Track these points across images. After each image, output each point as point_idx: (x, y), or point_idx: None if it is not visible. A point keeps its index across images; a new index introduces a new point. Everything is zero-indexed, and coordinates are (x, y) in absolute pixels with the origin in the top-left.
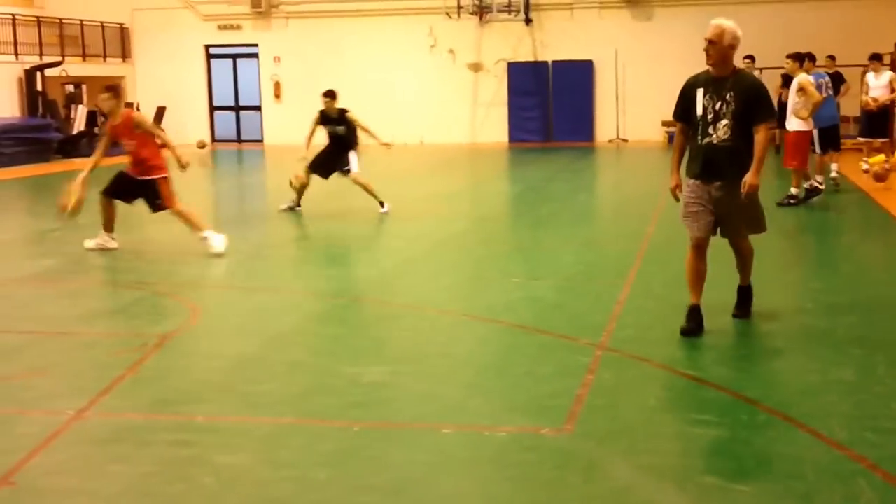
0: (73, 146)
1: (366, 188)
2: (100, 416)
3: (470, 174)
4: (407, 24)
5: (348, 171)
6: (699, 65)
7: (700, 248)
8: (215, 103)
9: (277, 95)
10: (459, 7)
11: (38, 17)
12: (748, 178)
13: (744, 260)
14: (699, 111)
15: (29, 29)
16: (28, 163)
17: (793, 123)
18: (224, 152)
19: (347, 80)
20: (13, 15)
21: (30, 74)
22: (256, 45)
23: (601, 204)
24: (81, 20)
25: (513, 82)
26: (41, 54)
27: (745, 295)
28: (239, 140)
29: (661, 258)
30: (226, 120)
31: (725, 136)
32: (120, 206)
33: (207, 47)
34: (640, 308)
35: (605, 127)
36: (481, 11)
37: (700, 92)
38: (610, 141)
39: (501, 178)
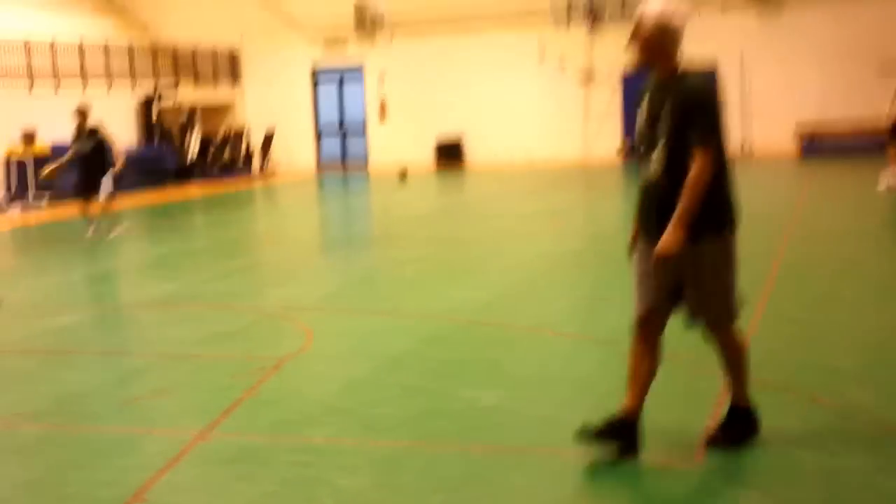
0: (187, 173)
1: (104, 208)
2: (223, 436)
3: (583, 190)
4: (515, 36)
5: (97, 195)
6: (837, 65)
7: (642, 327)
8: (321, 124)
9: (383, 115)
10: (570, 16)
11: (152, 45)
12: (662, 239)
13: (727, 361)
14: (637, 133)
15: (144, 57)
16: (145, 190)
17: None
18: (331, 177)
19: (454, 96)
20: (130, 44)
21: (146, 104)
22: (361, 65)
23: None
24: (194, 46)
25: (627, 92)
26: (157, 82)
27: (736, 418)
28: (344, 163)
29: (795, 279)
30: (331, 142)
31: (658, 169)
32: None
33: (314, 68)
34: (774, 333)
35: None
36: (593, 19)
37: (644, 105)
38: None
39: (616, 194)
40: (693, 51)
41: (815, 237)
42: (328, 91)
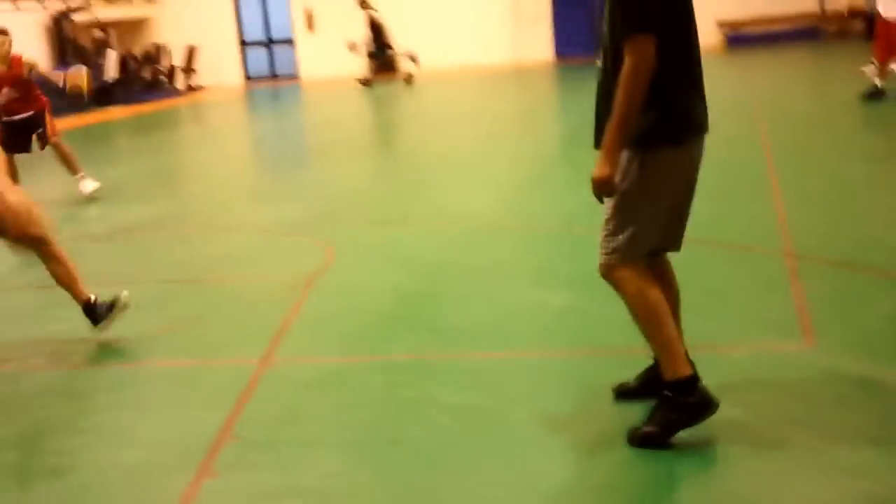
0: (107, 95)
1: None
2: (290, 360)
3: (528, 92)
4: None
5: None
6: None
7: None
8: (246, 39)
9: (310, 26)
10: None
11: None
12: (594, 171)
13: (633, 316)
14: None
15: None
16: (64, 114)
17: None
18: (262, 91)
19: (381, 4)
20: None
21: (57, 21)
22: None
23: None
24: None
25: None
26: None
27: (668, 397)
28: (273, 76)
29: (796, 159)
30: (258, 56)
31: (601, 66)
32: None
33: None
34: (808, 213)
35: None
36: None
37: None
38: None
39: (571, 95)
40: None
41: (788, 121)
42: (251, 2)
